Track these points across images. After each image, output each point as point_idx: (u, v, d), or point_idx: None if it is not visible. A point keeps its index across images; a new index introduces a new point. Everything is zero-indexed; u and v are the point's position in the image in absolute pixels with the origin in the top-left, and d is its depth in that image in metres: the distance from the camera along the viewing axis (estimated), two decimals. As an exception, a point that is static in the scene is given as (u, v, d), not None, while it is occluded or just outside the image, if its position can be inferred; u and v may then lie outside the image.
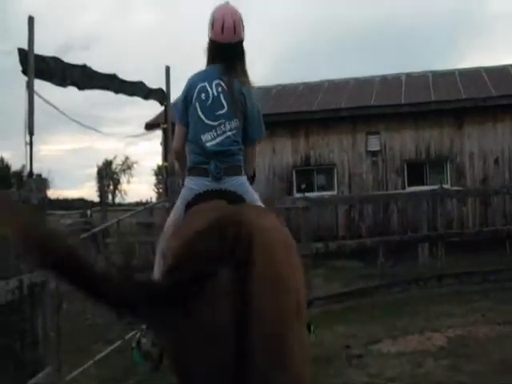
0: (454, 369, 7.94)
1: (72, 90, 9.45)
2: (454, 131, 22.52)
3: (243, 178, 4.36)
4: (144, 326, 4.15)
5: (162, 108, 13.26)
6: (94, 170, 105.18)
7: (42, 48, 8.37)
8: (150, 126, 21.61)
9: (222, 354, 3.04)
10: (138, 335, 4.24)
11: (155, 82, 12.39)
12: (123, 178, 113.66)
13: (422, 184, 22.33)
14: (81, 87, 9.70)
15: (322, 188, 23.49)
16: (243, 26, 4.50)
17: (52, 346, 7.62)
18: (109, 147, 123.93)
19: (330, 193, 22.52)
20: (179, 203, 4.35)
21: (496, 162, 21.98)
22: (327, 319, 11.95)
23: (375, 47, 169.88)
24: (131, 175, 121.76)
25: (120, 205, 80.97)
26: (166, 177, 13.38)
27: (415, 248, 18.91)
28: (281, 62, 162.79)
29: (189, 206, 4.18)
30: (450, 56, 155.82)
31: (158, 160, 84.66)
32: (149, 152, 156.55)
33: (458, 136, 22.47)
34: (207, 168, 4.22)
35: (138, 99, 11.81)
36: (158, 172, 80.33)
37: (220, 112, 4.28)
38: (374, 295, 13.60)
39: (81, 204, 53.69)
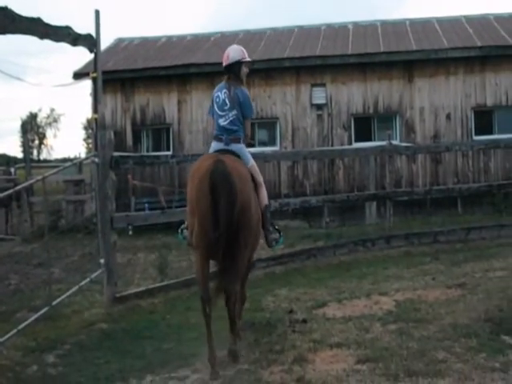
0: (402, 334, 7.99)
1: (-9, 35, 9.14)
2: (403, 84, 22.65)
3: (241, 145, 8.08)
4: (184, 225, 8.19)
5: (92, 55, 12.92)
6: (17, 124, 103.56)
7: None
8: (79, 76, 21.17)
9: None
10: (182, 227, 8.22)
11: (84, 27, 12.06)
12: (49, 132, 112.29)
13: (370, 140, 22.50)
14: (1, 31, 9.38)
15: (263, 143, 23.44)
16: (242, 53, 8.17)
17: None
18: (33, 98, 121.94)
19: (271, 148, 22.47)
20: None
21: (448, 117, 22.20)
22: (269, 282, 12.00)
23: None
24: (58, 129, 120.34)
25: (46, 161, 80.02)
26: (95, 130, 13.08)
27: (362, 207, 19.10)
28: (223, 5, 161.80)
29: None
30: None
31: (87, 112, 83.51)
32: (77, 103, 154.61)
33: (407, 89, 22.62)
34: (222, 137, 7.98)
35: (65, 46, 11.48)
36: (88, 125, 79.42)
37: (226, 107, 7.99)
38: (318, 257, 13.67)
39: (3, 160, 52.88)
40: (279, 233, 8.56)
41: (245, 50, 8.29)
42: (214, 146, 8.08)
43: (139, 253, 16.01)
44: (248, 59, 8.27)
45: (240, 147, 8.05)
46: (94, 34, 12.09)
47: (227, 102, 8.00)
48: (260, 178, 8.22)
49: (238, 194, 7.13)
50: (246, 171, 7.78)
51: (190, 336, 8.45)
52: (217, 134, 8.10)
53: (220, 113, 8.05)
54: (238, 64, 8.15)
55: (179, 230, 8.36)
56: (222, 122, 8.01)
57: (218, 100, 8.10)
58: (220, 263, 7.38)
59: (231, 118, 7.99)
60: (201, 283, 7.46)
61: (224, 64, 8.20)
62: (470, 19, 25.88)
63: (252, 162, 8.18)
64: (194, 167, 7.68)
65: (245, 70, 8.22)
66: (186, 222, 8.15)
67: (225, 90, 8.08)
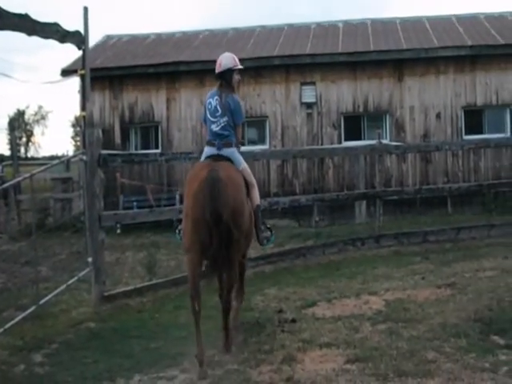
0: (392, 334, 8.04)
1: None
2: (393, 83, 22.64)
3: (233, 149, 8.38)
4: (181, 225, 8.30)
5: (80, 53, 12.89)
6: (5, 121, 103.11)
7: None
8: (67, 73, 21.08)
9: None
10: (180, 227, 8.37)
11: (72, 24, 12.05)
12: (37, 130, 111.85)
13: (360, 139, 22.43)
14: (-12, 28, 9.36)
15: (252, 142, 23.38)
16: (233, 61, 8.48)
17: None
18: (21, 95, 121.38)
19: (261, 147, 22.40)
20: (201, 159, 8.56)
21: (438, 116, 22.22)
22: (259, 281, 11.98)
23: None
24: (45, 126, 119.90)
25: (33, 159, 79.74)
26: (83, 128, 13.05)
27: (352, 206, 19.10)
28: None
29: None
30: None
31: (75, 110, 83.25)
32: (65, 101, 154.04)
33: (397, 88, 22.61)
34: (214, 143, 8.30)
35: (53, 42, 11.48)
36: (76, 123, 79.16)
37: (217, 114, 8.33)
38: (308, 256, 13.68)
39: (-10, 158, 52.68)
40: (270, 231, 8.92)
41: (236, 58, 8.63)
42: (208, 150, 8.43)
43: (127, 251, 15.99)
44: (239, 66, 8.61)
45: (232, 151, 8.38)
46: (82, 31, 12.08)
47: (219, 108, 8.37)
48: (252, 179, 8.59)
49: (231, 202, 7.51)
50: (239, 176, 8.17)
51: (179, 335, 8.46)
52: (209, 140, 8.46)
53: (212, 119, 8.42)
54: (229, 72, 8.51)
55: (176, 231, 8.68)
56: (214, 128, 8.37)
57: (209, 107, 8.49)
58: (217, 266, 7.94)
59: (223, 124, 8.36)
60: (191, 281, 7.69)
61: (216, 71, 8.56)
62: (460, 18, 25.93)
63: (243, 165, 8.49)
64: (191, 175, 8.07)
65: (236, 77, 8.60)
66: (182, 223, 8.36)
67: (216, 97, 8.48)
